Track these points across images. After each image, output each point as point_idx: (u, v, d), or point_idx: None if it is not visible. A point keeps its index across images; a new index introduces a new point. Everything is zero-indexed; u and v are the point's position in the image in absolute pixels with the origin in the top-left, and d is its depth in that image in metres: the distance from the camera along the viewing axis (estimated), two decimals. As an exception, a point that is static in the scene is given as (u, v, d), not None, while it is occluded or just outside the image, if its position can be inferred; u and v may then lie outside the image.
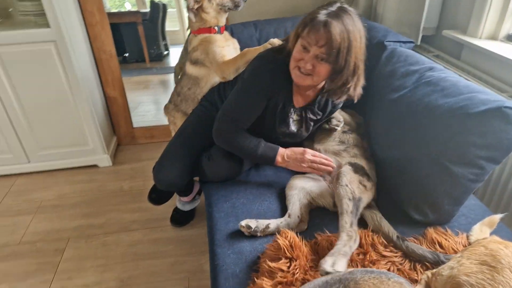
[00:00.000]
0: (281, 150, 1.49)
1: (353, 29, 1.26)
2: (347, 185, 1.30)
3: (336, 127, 1.57)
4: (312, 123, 1.57)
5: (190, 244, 1.95)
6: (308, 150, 1.48)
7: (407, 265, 1.15)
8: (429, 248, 1.19)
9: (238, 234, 1.33)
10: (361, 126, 1.68)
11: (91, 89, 2.43)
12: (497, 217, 1.19)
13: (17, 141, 2.41)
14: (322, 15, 1.25)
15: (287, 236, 1.20)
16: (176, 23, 5.08)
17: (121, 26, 4.31)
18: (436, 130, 1.22)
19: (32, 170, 2.53)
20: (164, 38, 4.69)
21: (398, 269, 1.14)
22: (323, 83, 1.46)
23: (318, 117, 1.56)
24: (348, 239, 1.18)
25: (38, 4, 2.14)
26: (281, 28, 2.12)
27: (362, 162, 1.47)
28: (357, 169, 1.40)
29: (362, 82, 1.39)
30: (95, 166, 2.61)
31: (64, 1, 2.15)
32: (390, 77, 1.53)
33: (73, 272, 1.83)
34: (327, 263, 1.09)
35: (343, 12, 1.26)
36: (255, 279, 1.12)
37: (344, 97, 1.43)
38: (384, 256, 1.17)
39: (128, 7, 5.06)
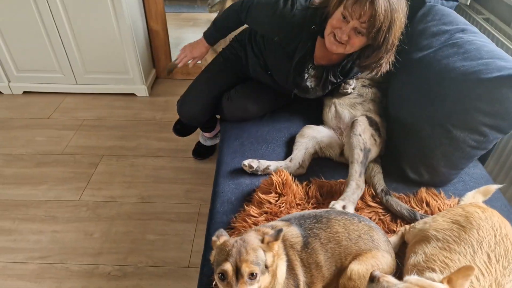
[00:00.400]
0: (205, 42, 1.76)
1: (397, 7, 1.23)
2: (360, 135, 1.34)
3: (343, 90, 1.57)
4: (330, 86, 1.58)
5: (206, 176, 2.10)
6: (201, 53, 1.78)
7: (389, 217, 1.21)
8: (417, 206, 1.23)
9: (241, 169, 1.43)
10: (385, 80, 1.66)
11: (134, 20, 2.53)
12: (494, 187, 1.18)
13: (67, 63, 2.62)
14: None
15: (281, 175, 1.29)
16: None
17: (177, -40, 4.30)
18: (446, 92, 1.20)
19: (78, 91, 2.77)
20: (219, -25, 4.63)
21: (380, 219, 1.20)
22: None
23: (339, 80, 1.56)
24: (356, 188, 1.26)
25: None
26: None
27: (376, 118, 1.48)
28: (371, 122, 1.42)
29: (392, 58, 1.37)
30: (133, 94, 2.79)
31: None
32: (420, 36, 1.47)
33: (103, 184, 2.06)
34: (338, 204, 1.18)
35: None
36: (245, 207, 1.23)
37: (374, 72, 1.42)
38: (369, 206, 1.23)
39: None
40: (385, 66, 1.37)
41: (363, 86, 1.59)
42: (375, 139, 1.40)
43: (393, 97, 1.49)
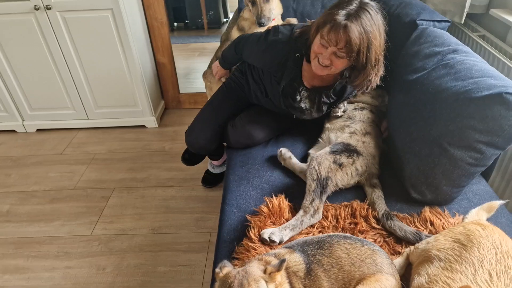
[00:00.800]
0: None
1: (372, 29, 1.29)
2: (314, 167, 1.37)
3: (334, 114, 1.62)
4: (325, 107, 1.63)
5: (215, 204, 2.13)
6: (225, 73, 2.01)
7: (393, 239, 1.21)
8: (421, 225, 1.23)
9: (247, 195, 1.46)
10: (383, 104, 1.68)
11: (142, 55, 2.64)
12: (497, 203, 1.18)
13: (79, 99, 2.73)
14: (341, 16, 1.28)
15: (280, 202, 1.32)
16: (240, -12, 5.12)
17: (184, -8, 4.45)
18: (440, 112, 1.22)
19: (90, 126, 2.86)
20: (224, 4, 4.78)
21: (385, 241, 1.20)
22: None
23: (332, 100, 1.62)
24: (303, 214, 1.28)
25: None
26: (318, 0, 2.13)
27: (353, 139, 1.49)
28: (337, 149, 1.43)
29: (381, 72, 1.43)
30: (143, 126, 2.88)
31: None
32: (414, 58, 1.51)
33: (114, 217, 2.10)
34: (267, 231, 1.22)
35: (362, 11, 1.28)
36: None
37: (365, 88, 1.48)
38: (374, 228, 1.24)
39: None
40: (375, 81, 1.43)
41: (355, 109, 1.64)
42: (339, 163, 1.39)
43: (391, 118, 1.52)
